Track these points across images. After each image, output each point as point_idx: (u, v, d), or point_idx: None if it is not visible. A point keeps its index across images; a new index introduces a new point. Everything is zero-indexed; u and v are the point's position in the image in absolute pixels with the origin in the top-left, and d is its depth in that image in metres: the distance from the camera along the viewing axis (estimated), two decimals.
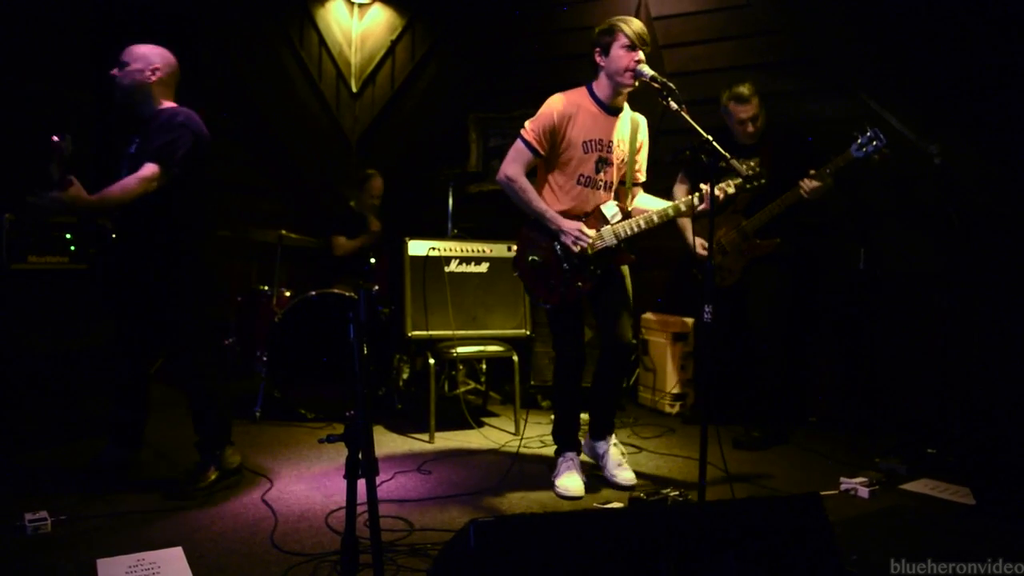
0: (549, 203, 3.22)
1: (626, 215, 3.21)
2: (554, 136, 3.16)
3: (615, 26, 3.09)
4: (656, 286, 5.07)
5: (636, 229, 3.17)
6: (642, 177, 3.42)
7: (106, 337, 3.94)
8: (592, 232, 3.16)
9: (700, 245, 4.06)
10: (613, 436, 3.50)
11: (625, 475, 3.34)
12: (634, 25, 3.08)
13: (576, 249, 3.14)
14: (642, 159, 3.37)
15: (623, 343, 3.26)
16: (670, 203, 3.23)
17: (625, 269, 3.35)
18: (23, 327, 3.69)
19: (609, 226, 3.17)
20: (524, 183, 3.19)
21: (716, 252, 4.05)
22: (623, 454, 3.49)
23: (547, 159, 3.23)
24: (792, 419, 4.44)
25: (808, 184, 3.67)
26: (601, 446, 3.45)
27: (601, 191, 3.24)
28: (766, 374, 4.03)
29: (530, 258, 3.24)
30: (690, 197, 3.12)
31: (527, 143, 3.17)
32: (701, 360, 4.49)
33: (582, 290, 3.19)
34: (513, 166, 3.19)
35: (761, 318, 4.00)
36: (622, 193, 3.30)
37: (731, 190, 3.05)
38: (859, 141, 3.51)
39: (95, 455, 3.29)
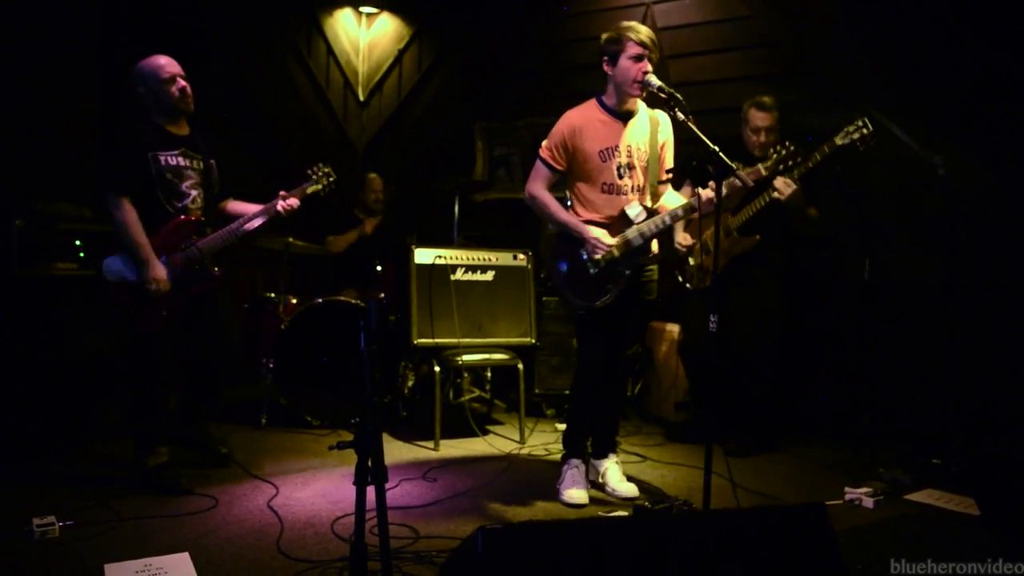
0: (580, 213, 3.28)
1: (651, 213, 3.21)
2: (567, 151, 3.21)
3: (622, 35, 3.09)
4: (659, 294, 5.07)
5: (661, 225, 3.19)
6: (666, 175, 3.38)
7: (115, 343, 3.97)
8: (612, 240, 3.18)
9: (683, 236, 4.02)
10: (615, 455, 3.49)
11: (626, 488, 3.35)
12: (641, 33, 3.08)
13: (597, 256, 3.18)
14: (667, 156, 3.36)
15: (624, 361, 3.37)
16: (680, 202, 3.23)
17: (653, 282, 3.38)
18: (32, 332, 3.71)
19: (635, 226, 3.20)
20: (546, 198, 3.27)
21: (699, 252, 4.08)
22: (623, 474, 3.48)
23: (571, 173, 3.28)
24: (786, 426, 4.45)
25: (781, 181, 3.57)
26: (602, 464, 3.45)
27: (629, 195, 3.26)
28: (752, 383, 4.05)
29: (559, 262, 3.31)
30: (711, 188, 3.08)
31: (543, 161, 3.27)
32: (691, 366, 4.44)
33: (614, 292, 3.21)
34: (534, 184, 3.29)
35: (744, 329, 4.00)
36: (646, 193, 3.29)
37: (764, 172, 3.05)
38: (847, 129, 3.45)
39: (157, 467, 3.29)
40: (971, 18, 4.00)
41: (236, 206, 3.56)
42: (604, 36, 3.18)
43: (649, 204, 3.23)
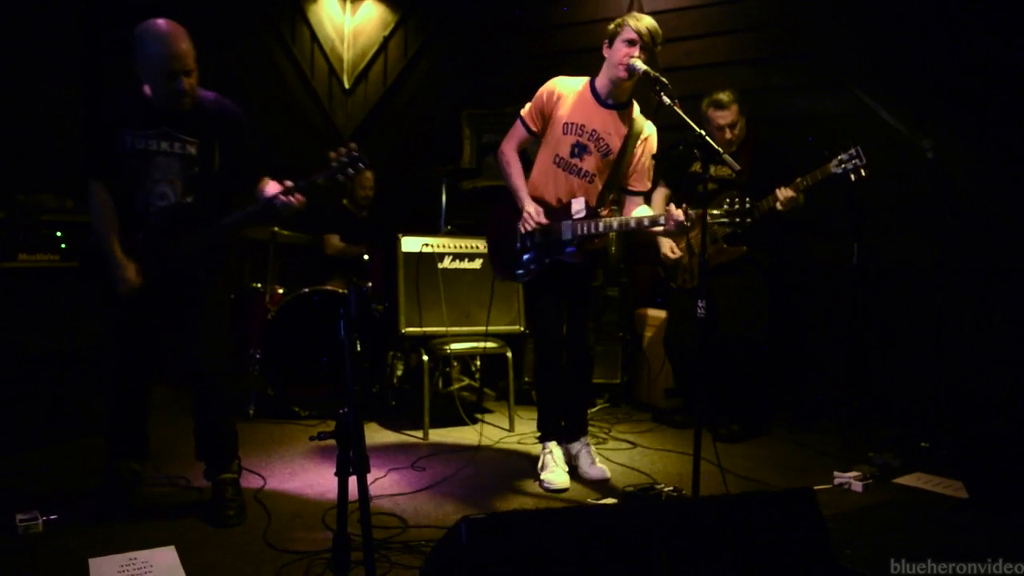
0: (535, 182, 3.29)
1: (591, 213, 3.15)
2: (543, 114, 3.26)
3: (625, 21, 3.11)
4: (649, 281, 5.07)
5: (593, 230, 3.11)
6: (642, 187, 3.32)
7: (97, 336, 3.93)
8: (543, 219, 3.17)
9: (669, 247, 4.10)
10: (586, 437, 3.51)
11: (596, 471, 3.37)
12: (643, 21, 3.08)
13: (523, 230, 3.21)
14: (642, 167, 3.28)
15: (583, 346, 3.40)
16: (643, 215, 3.17)
17: (598, 271, 3.41)
18: (13, 326, 3.66)
19: (570, 220, 3.17)
20: (511, 158, 3.31)
21: (684, 252, 4.07)
22: (596, 454, 3.50)
23: (539, 139, 3.31)
24: (775, 412, 4.46)
25: (783, 194, 3.66)
26: (575, 447, 3.47)
27: (576, 178, 3.22)
28: (739, 369, 4.05)
29: (495, 222, 3.37)
30: (655, 215, 3.06)
31: (521, 119, 3.30)
32: (676, 357, 4.42)
33: (526, 276, 3.28)
34: (508, 142, 3.33)
35: (730, 315, 3.98)
36: (606, 195, 3.23)
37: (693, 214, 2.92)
38: (840, 157, 3.44)
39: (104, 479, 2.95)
40: (961, 1, 3.99)
41: (270, 188, 2.90)
42: (612, 24, 3.18)
43: (595, 204, 3.18)
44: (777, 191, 3.68)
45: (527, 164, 3.36)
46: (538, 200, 3.25)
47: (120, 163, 2.73)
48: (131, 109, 2.72)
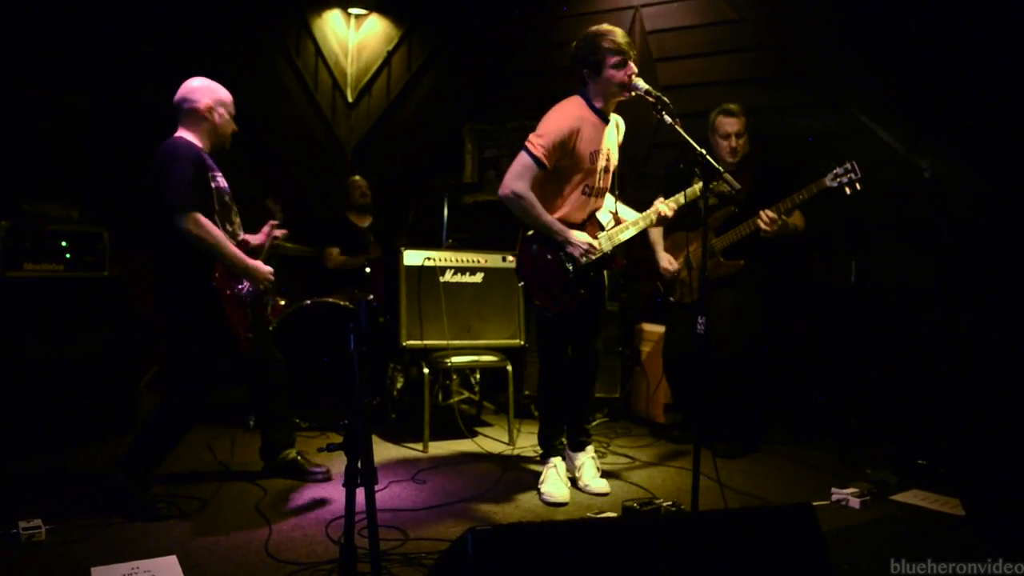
0: (565, 215, 3.27)
1: (617, 221, 3.27)
2: (563, 150, 3.13)
3: (598, 45, 3.07)
4: (646, 297, 5.10)
5: (629, 235, 3.28)
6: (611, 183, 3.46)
7: (101, 345, 3.94)
8: (597, 243, 3.24)
9: (667, 260, 4.16)
10: (591, 448, 3.54)
11: (598, 484, 3.40)
12: (616, 36, 3.08)
13: (584, 261, 3.21)
14: (617, 163, 3.43)
15: (594, 351, 3.48)
16: (642, 214, 3.35)
17: (605, 279, 3.50)
18: (18, 334, 3.68)
19: (605, 232, 3.23)
20: (532, 198, 3.15)
21: (683, 267, 4.11)
22: (598, 468, 3.53)
23: (550, 171, 3.25)
24: (774, 428, 4.48)
25: (766, 216, 3.73)
26: (579, 457, 3.49)
27: (598, 198, 3.32)
28: (734, 388, 4.06)
29: (534, 264, 3.30)
30: (647, 212, 3.29)
31: (536, 158, 3.11)
32: (672, 370, 4.44)
33: (583, 296, 3.27)
34: (520, 183, 3.13)
35: (724, 337, 3.99)
36: (610, 197, 3.40)
37: (679, 201, 3.26)
38: (836, 171, 3.52)
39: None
40: (958, 21, 4.04)
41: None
42: (576, 45, 3.16)
43: (614, 208, 3.32)
44: (761, 214, 3.75)
45: None
46: (569, 227, 3.24)
47: (211, 200, 3.04)
48: (202, 157, 3.06)
